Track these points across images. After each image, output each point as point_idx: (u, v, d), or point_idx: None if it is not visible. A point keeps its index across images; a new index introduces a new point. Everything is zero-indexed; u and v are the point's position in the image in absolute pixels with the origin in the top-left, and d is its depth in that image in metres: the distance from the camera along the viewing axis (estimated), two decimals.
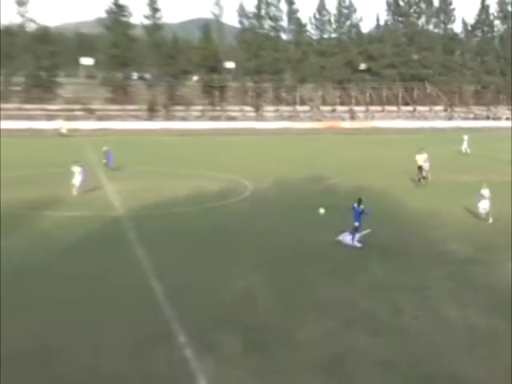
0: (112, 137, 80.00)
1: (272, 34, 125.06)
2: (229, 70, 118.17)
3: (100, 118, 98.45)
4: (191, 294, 21.67)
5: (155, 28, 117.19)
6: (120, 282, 23.04)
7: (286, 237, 28.72)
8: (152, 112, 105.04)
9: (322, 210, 23.69)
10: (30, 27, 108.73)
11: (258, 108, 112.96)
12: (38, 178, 45.21)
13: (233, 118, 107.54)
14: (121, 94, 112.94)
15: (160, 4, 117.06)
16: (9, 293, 21.56)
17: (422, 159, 45.68)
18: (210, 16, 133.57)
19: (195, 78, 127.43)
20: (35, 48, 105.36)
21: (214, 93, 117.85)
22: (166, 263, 25.08)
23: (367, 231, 28.06)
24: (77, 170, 39.46)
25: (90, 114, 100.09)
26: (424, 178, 44.84)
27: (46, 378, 15.76)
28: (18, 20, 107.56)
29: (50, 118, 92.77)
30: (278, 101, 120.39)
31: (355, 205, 27.66)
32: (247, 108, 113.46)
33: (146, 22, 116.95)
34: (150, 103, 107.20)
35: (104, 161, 50.88)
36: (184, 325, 18.87)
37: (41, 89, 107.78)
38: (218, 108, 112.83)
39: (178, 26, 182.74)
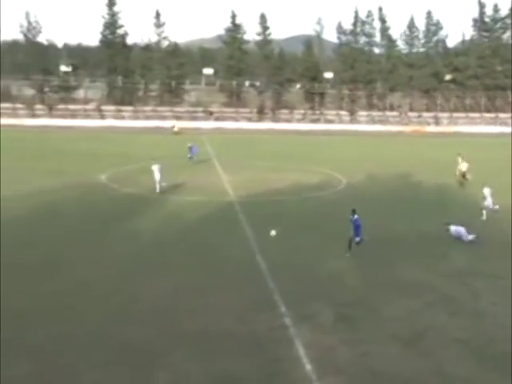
0: (227, 135, 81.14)
1: (366, 48, 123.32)
2: (327, 80, 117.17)
3: (217, 119, 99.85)
4: (290, 270, 21.64)
5: (265, 43, 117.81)
6: (231, 255, 23.41)
7: (374, 224, 28.19)
8: (261, 114, 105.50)
9: (273, 232, 21.44)
10: (164, 44, 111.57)
11: (352, 112, 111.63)
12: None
13: (330, 121, 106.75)
14: (235, 98, 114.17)
15: (269, 23, 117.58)
16: (145, 262, 22.42)
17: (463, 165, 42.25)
18: (312, 33, 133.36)
19: (298, 85, 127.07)
20: (167, 61, 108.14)
21: (314, 99, 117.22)
22: (270, 242, 25.05)
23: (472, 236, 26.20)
24: (155, 167, 36.44)
25: (209, 115, 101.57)
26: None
27: (173, 334, 16.16)
28: (154, 38, 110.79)
29: (178, 118, 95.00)
30: (370, 106, 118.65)
31: (351, 216, 24.11)
32: (343, 112, 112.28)
33: (258, 37, 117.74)
34: (259, 107, 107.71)
35: (189, 155, 50.13)
36: (283, 296, 18.94)
37: (171, 94, 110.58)
38: (317, 112, 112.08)
39: (284, 41, 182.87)
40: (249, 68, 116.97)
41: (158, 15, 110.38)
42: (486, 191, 31.81)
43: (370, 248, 24.30)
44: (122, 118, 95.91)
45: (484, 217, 31.08)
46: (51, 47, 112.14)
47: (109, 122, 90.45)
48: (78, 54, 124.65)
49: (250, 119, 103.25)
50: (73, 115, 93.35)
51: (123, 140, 71.01)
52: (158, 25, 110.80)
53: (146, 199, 34.61)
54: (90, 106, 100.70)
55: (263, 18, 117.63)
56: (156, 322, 17.06)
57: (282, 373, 14.21)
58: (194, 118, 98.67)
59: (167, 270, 21.78)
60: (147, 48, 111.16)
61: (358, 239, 23.58)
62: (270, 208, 32.84)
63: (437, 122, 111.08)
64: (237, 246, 24.98)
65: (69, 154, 53.43)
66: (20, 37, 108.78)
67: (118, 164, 47.48)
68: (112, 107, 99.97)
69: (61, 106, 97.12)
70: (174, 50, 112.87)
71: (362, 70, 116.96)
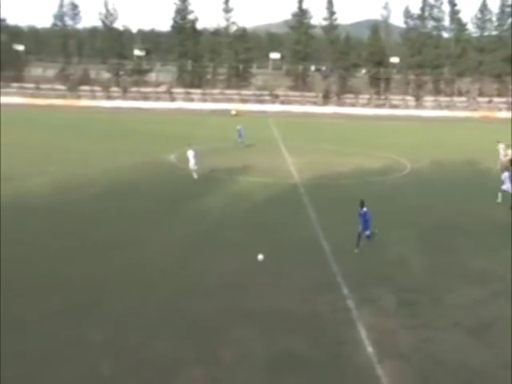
0: (293, 118, 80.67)
1: (434, 32, 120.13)
2: (393, 65, 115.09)
3: (283, 102, 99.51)
4: (353, 253, 21.31)
5: (331, 28, 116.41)
6: (295, 237, 23.35)
7: (439, 209, 27.55)
8: (326, 99, 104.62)
9: (260, 256, 19.83)
10: (232, 29, 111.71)
11: (418, 98, 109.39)
12: (225, 149, 46.26)
13: (395, 106, 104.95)
14: (301, 83, 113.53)
15: (336, 7, 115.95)
16: (212, 240, 22.67)
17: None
18: (378, 17, 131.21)
19: (363, 70, 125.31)
20: (235, 45, 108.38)
21: (380, 84, 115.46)
22: (333, 225, 24.93)
23: None
24: (190, 153, 35.19)
25: (275, 98, 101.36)
26: None
27: (239, 311, 16.21)
28: (223, 24, 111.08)
29: (244, 101, 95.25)
30: (437, 92, 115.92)
31: (359, 209, 21.58)
32: (408, 98, 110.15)
33: (324, 22, 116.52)
34: (324, 91, 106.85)
35: (238, 139, 49.11)
36: (346, 278, 18.75)
37: (238, 78, 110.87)
38: (382, 97, 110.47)
39: (350, 26, 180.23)
40: (315, 53, 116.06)
41: (226, 1, 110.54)
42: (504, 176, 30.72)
43: (435, 234, 23.75)
44: (191, 100, 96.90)
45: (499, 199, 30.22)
46: (126, 33, 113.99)
47: (178, 105, 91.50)
48: (150, 39, 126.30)
49: (315, 103, 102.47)
50: (145, 97, 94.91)
51: (192, 121, 71.54)
52: (227, 10, 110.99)
53: (213, 179, 34.85)
54: (161, 89, 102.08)
55: (330, 2, 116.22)
56: (222, 298, 17.19)
57: (343, 354, 14.07)
58: (261, 102, 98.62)
59: (233, 248, 21.86)
60: (216, 33, 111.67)
61: (367, 233, 21.26)
62: (333, 191, 32.56)
63: (509, 107, 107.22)
64: (301, 228, 24.85)
65: (141, 134, 54.26)
66: (99, 23, 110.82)
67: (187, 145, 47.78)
68: (182, 90, 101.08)
69: (134, 89, 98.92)
70: (242, 34, 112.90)
71: (429, 54, 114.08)
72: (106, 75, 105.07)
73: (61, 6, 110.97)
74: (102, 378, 12.93)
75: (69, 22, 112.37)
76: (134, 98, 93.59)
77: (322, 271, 19.64)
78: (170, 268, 19.75)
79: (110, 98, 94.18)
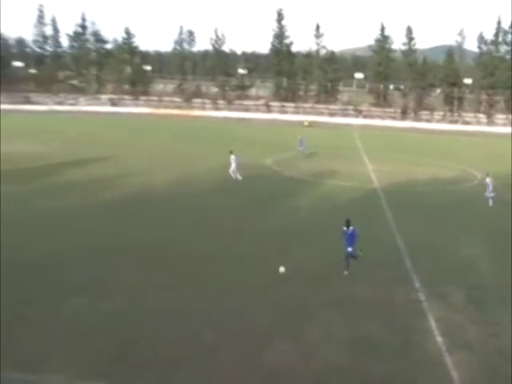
0: (374, 131, 79.25)
1: (507, 56, 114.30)
2: (466, 85, 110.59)
3: (365, 117, 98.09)
4: (426, 252, 20.82)
5: (410, 52, 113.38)
6: (373, 235, 22.84)
7: (506, 216, 26.37)
8: (404, 114, 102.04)
9: (282, 269, 18.07)
10: (322, 52, 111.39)
11: (489, 115, 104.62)
12: (314, 155, 46.02)
13: (467, 123, 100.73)
14: (381, 99, 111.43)
15: (414, 34, 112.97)
16: (301, 234, 22.58)
17: None
18: (453, 43, 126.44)
19: (438, 90, 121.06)
20: (324, 66, 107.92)
21: (453, 102, 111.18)
22: (408, 225, 24.37)
23: None
24: (232, 158, 34.41)
25: (358, 113, 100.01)
26: None
27: (325, 296, 16.16)
28: (314, 47, 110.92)
29: (332, 115, 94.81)
30: (509, 110, 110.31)
31: (344, 228, 18.33)
32: (480, 115, 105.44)
33: (403, 47, 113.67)
34: (402, 107, 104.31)
35: (300, 148, 46.79)
36: (419, 274, 18.32)
37: (327, 94, 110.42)
38: (455, 114, 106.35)
39: (427, 50, 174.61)
40: (394, 73, 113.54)
41: (317, 28, 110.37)
42: (488, 180, 30.64)
43: (503, 238, 22.72)
44: (286, 112, 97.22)
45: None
46: (232, 54, 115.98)
47: (274, 116, 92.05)
48: (252, 60, 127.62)
49: (394, 118, 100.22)
50: (246, 109, 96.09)
51: (286, 131, 71.66)
52: (318, 36, 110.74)
53: (304, 181, 34.81)
54: (260, 102, 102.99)
55: (409, 30, 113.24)
56: (310, 284, 17.23)
57: (414, 341, 13.77)
58: (346, 115, 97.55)
59: (320, 242, 21.78)
60: (308, 55, 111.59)
61: (350, 250, 18.00)
62: (409, 196, 31.77)
63: None
64: (379, 227, 24.40)
65: (242, 140, 54.88)
66: (210, 47, 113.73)
67: (281, 151, 48.01)
68: (277, 103, 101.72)
69: (237, 102, 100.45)
70: (331, 57, 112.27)
71: (501, 76, 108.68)
72: (214, 90, 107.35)
73: (180, 33, 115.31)
74: (205, 343, 13.25)
75: (186, 46, 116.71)
76: (237, 110, 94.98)
77: (396, 266, 19.27)
78: (264, 254, 19.95)
79: (217, 109, 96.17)
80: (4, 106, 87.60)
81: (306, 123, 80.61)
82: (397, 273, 18.58)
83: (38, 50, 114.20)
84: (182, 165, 38.41)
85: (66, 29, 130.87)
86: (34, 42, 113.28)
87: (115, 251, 19.76)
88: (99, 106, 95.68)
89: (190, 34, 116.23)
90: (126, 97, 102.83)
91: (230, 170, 34.44)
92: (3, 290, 15.68)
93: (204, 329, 13.93)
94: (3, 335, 13.26)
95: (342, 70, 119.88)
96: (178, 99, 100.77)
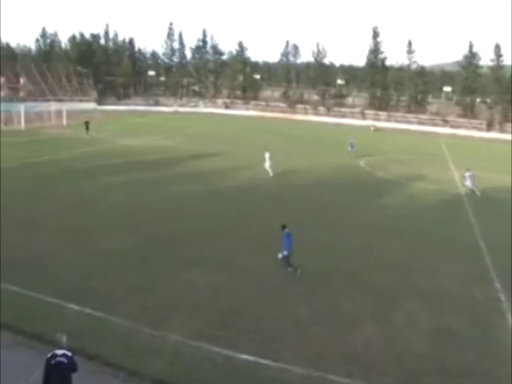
0: (460, 140, 75.47)
1: None
2: None
3: (452, 126, 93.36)
4: (508, 254, 19.45)
5: (497, 68, 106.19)
6: (456, 234, 22.05)
7: None
8: (490, 126, 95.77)
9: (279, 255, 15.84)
10: (413, 66, 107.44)
11: None
12: (405, 160, 44.44)
13: None
14: (468, 111, 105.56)
15: (502, 51, 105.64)
16: (387, 229, 22.00)
17: None
18: None
19: None
20: (415, 79, 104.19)
21: None
22: (490, 228, 23.10)
23: None
24: (267, 155, 33.47)
25: (446, 123, 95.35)
26: None
27: (408, 285, 15.67)
28: (406, 62, 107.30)
29: (420, 123, 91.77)
30: None
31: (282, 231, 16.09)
32: None
33: (491, 63, 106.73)
34: (488, 119, 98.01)
35: (348, 148, 45.25)
36: (499, 274, 17.24)
37: (416, 105, 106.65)
38: None
39: None
40: (481, 87, 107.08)
41: (409, 44, 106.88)
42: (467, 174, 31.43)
43: None
44: (379, 120, 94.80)
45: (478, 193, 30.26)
46: (331, 67, 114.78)
47: (368, 122, 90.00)
48: (349, 72, 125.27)
49: (479, 129, 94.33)
50: (343, 116, 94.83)
51: (378, 136, 69.75)
52: (410, 52, 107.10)
53: (392, 182, 33.76)
54: (356, 110, 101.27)
55: (498, 47, 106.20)
56: (395, 273, 16.86)
57: (493, 336, 13.10)
58: (434, 125, 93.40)
59: (403, 236, 21.15)
60: (400, 69, 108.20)
61: (285, 253, 15.76)
62: (492, 201, 29.79)
63: None
64: (461, 228, 23.26)
65: (339, 143, 54.12)
66: (312, 59, 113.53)
67: (373, 154, 46.80)
68: (372, 112, 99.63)
69: (335, 109, 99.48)
70: (421, 71, 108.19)
71: None
72: (315, 97, 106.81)
73: (286, 47, 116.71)
74: (300, 320, 13.34)
75: (291, 58, 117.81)
76: (335, 116, 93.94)
77: (477, 265, 18.29)
78: (355, 245, 19.70)
79: (317, 114, 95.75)
80: (140, 108, 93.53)
81: (372, 128, 78.58)
82: (477, 270, 17.65)
83: (167, 61, 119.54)
84: (284, 161, 38.60)
85: (190, 43, 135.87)
86: (164, 54, 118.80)
87: (220, 232, 20.38)
88: (215, 109, 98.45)
89: (295, 47, 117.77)
90: (238, 101, 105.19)
91: (266, 166, 33.32)
92: (141, 260, 16.76)
93: (300, 307, 14.03)
94: (138, 297, 14.15)
95: (431, 83, 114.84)
96: (282, 104, 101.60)
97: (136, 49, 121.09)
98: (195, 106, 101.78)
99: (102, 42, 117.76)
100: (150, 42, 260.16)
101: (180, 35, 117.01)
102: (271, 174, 33.07)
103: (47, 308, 13.32)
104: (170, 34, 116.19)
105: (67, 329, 12.14)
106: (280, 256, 15.81)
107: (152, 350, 11.60)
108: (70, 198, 25.34)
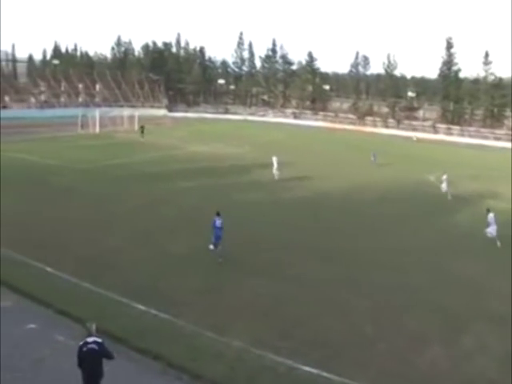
0: None
1: None
2: None
3: None
4: None
5: None
6: None
7: None
8: None
9: None
10: (490, 78, 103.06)
11: None
12: (475, 176, 42.47)
13: None
14: None
15: None
16: (454, 247, 21.12)
17: None
18: None
19: None
20: (491, 92, 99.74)
21: None
22: None
23: None
24: (274, 159, 34.58)
25: None
26: None
27: (479, 306, 15.01)
28: (482, 74, 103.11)
29: (497, 139, 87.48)
30: None
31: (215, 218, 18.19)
32: None
33: None
34: None
35: (372, 159, 44.62)
36: None
37: (492, 119, 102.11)
38: None
39: None
40: None
41: (486, 55, 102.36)
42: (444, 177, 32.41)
43: None
44: (451, 134, 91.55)
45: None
46: (402, 78, 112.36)
47: (440, 137, 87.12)
48: (420, 84, 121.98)
49: None
50: (414, 129, 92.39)
51: (451, 151, 67.39)
52: (486, 63, 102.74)
53: (464, 199, 32.24)
54: (427, 123, 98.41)
55: None
56: (465, 294, 16.16)
57: None
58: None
59: (474, 255, 20.23)
60: (475, 81, 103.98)
61: (214, 241, 17.82)
62: None
63: None
64: None
65: (409, 156, 52.72)
66: (382, 71, 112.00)
67: (444, 169, 45.13)
68: (443, 125, 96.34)
69: (405, 121, 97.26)
70: (498, 83, 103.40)
71: None
72: (384, 109, 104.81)
73: (356, 58, 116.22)
74: (364, 335, 13.07)
75: (361, 69, 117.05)
76: (405, 129, 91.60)
77: None
78: (422, 260, 19.08)
79: (387, 127, 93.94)
80: (209, 115, 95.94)
81: (414, 138, 77.67)
82: None
83: (236, 69, 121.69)
84: (351, 173, 38.16)
85: (260, 52, 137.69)
86: (234, 63, 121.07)
87: (286, 241, 20.36)
88: (284, 118, 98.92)
89: (365, 58, 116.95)
90: (307, 111, 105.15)
91: (273, 170, 34.37)
92: (207, 264, 17.08)
93: (365, 322, 13.76)
94: (202, 301, 14.41)
95: (508, 95, 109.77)
96: (352, 116, 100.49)
97: (206, 57, 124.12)
98: (264, 115, 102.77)
99: (174, 50, 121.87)
100: (221, 50, 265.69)
101: (250, 44, 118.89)
102: (276, 177, 33.96)
103: (116, 306, 13.85)
104: (240, 44, 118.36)
105: (134, 328, 12.60)
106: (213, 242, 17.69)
107: (214, 354, 11.76)
108: (140, 199, 26.30)
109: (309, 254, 19.11)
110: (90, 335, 9.32)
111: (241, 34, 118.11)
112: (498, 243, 21.66)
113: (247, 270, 16.99)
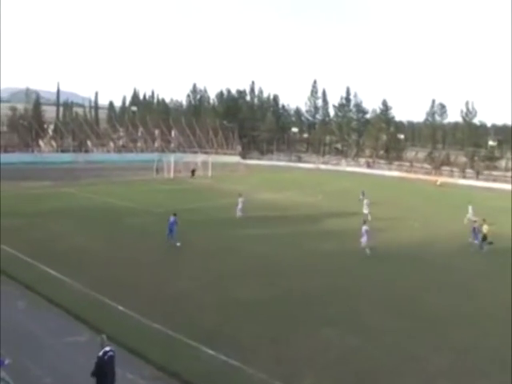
0: None
1: None
2: None
3: None
4: None
5: None
6: None
7: None
8: None
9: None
10: None
11: None
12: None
13: None
14: None
15: None
16: None
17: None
18: None
19: None
20: None
21: None
22: None
23: None
24: (240, 200, 35.79)
25: None
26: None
27: None
28: None
29: None
30: None
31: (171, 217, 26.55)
32: None
33: None
34: None
35: (361, 197, 45.22)
36: None
37: None
38: None
39: None
40: None
41: None
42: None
43: None
44: None
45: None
46: (482, 126, 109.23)
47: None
48: (503, 132, 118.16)
49: None
50: (494, 179, 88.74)
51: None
52: None
53: None
54: (510, 174, 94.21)
55: None
56: None
57: None
58: None
59: None
60: None
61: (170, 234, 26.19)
62: None
63: None
64: None
65: (492, 208, 50.34)
66: (460, 119, 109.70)
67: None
68: None
69: (485, 172, 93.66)
70: None
71: None
72: (462, 159, 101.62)
73: (432, 106, 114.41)
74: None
75: (437, 117, 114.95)
76: (486, 180, 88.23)
77: None
78: (497, 316, 17.92)
79: (464, 177, 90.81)
80: (282, 163, 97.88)
81: (438, 182, 76.64)
82: None
83: (310, 118, 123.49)
84: (426, 225, 37.06)
85: (333, 100, 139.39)
86: (308, 111, 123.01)
87: (357, 292, 19.98)
88: (357, 167, 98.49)
89: (442, 106, 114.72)
90: (381, 161, 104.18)
91: (237, 209, 35.41)
92: (276, 312, 17.08)
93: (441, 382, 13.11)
94: (271, 349, 14.37)
95: None
96: (427, 166, 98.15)
97: (280, 105, 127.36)
98: (337, 164, 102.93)
99: (248, 98, 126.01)
100: (294, 98, 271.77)
101: (323, 92, 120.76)
102: (238, 215, 35.18)
103: (185, 349, 14.11)
104: (314, 92, 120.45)
105: (204, 372, 12.74)
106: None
107: None
108: (211, 244, 26.97)
109: (383, 306, 18.62)
110: (104, 345, 10.78)
111: (314, 82, 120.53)
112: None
113: (318, 320, 16.79)
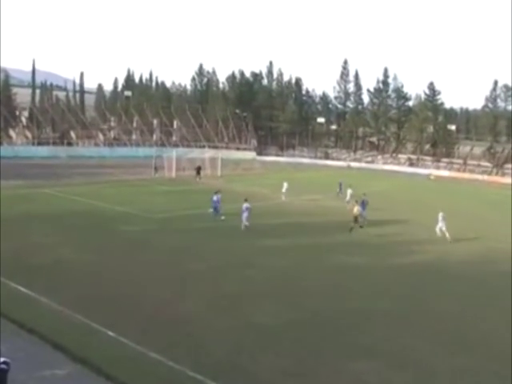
0: None
1: None
2: None
3: None
4: None
5: None
6: None
7: None
8: None
9: None
10: None
11: None
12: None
13: None
14: None
15: None
16: None
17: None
18: None
19: None
20: None
21: None
22: None
23: None
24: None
25: None
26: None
27: None
28: None
29: None
30: None
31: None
32: None
33: None
34: None
35: (338, 190, 52.73)
36: None
37: None
38: None
39: None
40: None
41: None
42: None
43: None
44: None
45: None
46: None
47: None
48: None
49: None
50: None
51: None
52: None
53: None
54: None
55: None
56: None
57: None
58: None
59: None
60: None
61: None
62: None
63: None
64: None
65: None
66: None
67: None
68: None
69: None
70: None
71: None
72: None
73: (494, 89, 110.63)
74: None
75: (500, 103, 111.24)
76: None
77: None
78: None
79: None
80: (305, 160, 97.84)
81: (431, 177, 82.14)
82: None
83: (339, 106, 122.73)
84: (484, 237, 36.69)
85: (368, 84, 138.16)
86: (336, 98, 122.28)
87: (396, 318, 19.85)
88: (397, 166, 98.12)
89: (507, 89, 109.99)
90: (426, 158, 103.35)
91: (243, 218, 34.45)
92: (298, 340, 17.06)
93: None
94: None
95: None
96: (486, 164, 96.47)
97: (303, 91, 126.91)
98: (372, 162, 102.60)
99: (265, 82, 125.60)
100: (321, 82, 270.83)
101: (356, 75, 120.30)
102: (243, 225, 34.25)
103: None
104: (344, 74, 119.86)
105: None
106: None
107: None
108: (221, 258, 27.03)
109: (429, 335, 18.48)
110: None
111: (345, 62, 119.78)
112: None
113: (351, 352, 16.69)
